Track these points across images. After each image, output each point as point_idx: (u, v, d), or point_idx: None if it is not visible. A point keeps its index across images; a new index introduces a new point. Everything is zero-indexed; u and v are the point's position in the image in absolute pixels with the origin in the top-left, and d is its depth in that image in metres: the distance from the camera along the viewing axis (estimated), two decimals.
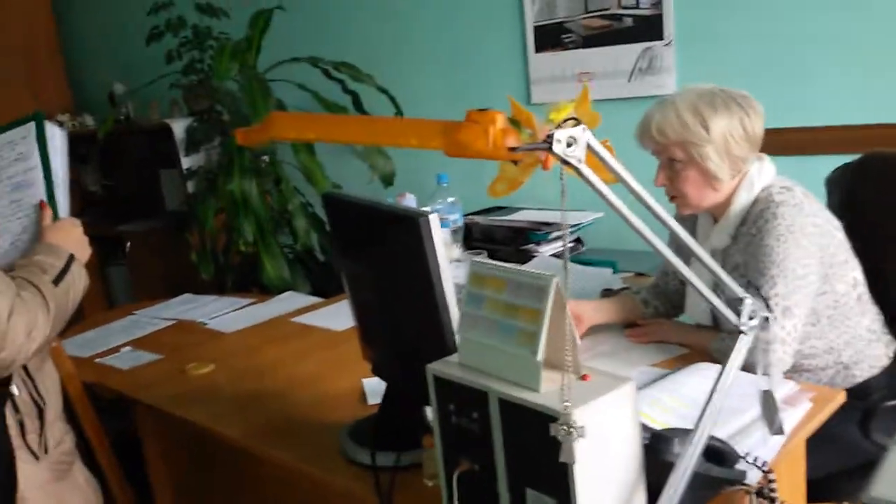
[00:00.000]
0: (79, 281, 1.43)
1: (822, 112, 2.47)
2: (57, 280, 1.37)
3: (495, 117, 0.83)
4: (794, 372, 1.69)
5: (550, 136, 0.86)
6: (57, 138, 1.52)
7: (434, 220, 1.19)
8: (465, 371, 1.08)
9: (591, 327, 1.85)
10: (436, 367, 1.11)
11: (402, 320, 1.32)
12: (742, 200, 1.69)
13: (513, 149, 0.84)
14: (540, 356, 0.99)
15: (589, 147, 0.89)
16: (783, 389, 1.44)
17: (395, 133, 0.86)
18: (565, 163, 0.88)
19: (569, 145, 0.87)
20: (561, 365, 0.96)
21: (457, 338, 1.14)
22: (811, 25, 2.45)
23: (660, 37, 2.74)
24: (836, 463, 1.61)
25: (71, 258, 1.42)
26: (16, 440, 1.36)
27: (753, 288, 1.59)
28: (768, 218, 1.62)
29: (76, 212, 1.58)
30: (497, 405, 1.02)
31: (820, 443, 1.48)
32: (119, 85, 4.14)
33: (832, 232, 1.68)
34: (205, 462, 1.86)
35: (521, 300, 1.03)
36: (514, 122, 0.97)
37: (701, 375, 1.50)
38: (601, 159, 0.91)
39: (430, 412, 1.26)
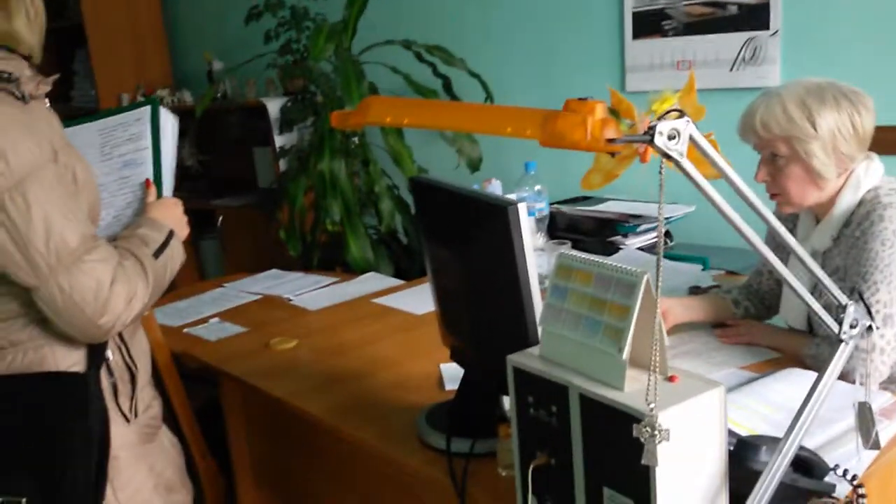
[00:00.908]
0: (177, 256, 1.48)
1: None
2: (157, 253, 1.42)
3: (595, 107, 0.81)
4: (890, 383, 1.61)
5: (652, 128, 0.83)
6: (169, 123, 1.59)
7: (522, 209, 1.17)
8: (545, 364, 1.06)
9: (676, 325, 1.80)
10: (516, 359, 1.09)
11: (484, 308, 1.31)
12: (847, 201, 1.61)
13: (611, 140, 0.81)
14: (626, 354, 0.96)
15: (692, 140, 0.86)
16: (878, 401, 1.37)
17: (490, 121, 0.84)
18: (667, 156, 0.85)
19: (671, 138, 0.84)
20: (646, 364, 0.93)
21: (539, 330, 1.12)
22: None
23: (766, 26, 2.64)
24: None
25: (171, 234, 1.47)
26: (109, 402, 1.41)
27: (857, 294, 1.52)
28: (874, 220, 1.54)
29: (174, 185, 1.64)
30: (578, 401, 1.00)
31: None
32: (218, 63, 4.24)
33: None
34: (283, 435, 1.90)
35: (609, 295, 1.00)
36: (614, 113, 0.95)
37: (792, 382, 1.45)
38: (705, 154, 0.87)
39: (507, 402, 1.25)
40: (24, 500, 1.29)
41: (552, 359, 1.07)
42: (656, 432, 0.89)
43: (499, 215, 1.18)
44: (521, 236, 1.17)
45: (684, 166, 0.83)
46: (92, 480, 1.34)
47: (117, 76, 4.44)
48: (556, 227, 2.68)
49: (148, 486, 1.46)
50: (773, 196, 1.67)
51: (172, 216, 1.52)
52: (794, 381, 1.45)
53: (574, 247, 2.46)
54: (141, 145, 1.57)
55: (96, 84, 4.41)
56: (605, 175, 1.24)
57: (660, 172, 0.86)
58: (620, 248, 2.49)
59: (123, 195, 1.56)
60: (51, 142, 1.28)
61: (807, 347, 1.58)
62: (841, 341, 1.00)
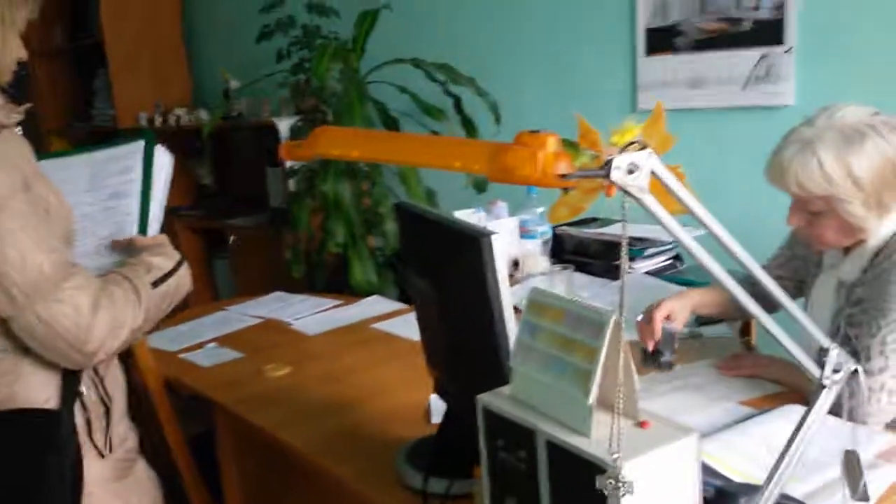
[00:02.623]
0: (183, 285, 1.46)
1: None
2: (159, 281, 1.40)
3: (546, 140, 0.76)
4: None
5: (609, 163, 0.78)
6: (165, 161, 1.58)
7: (497, 241, 1.12)
8: (515, 406, 1.01)
9: (679, 358, 1.73)
10: (486, 399, 1.04)
11: (461, 343, 1.27)
12: (882, 235, 1.50)
13: (564, 175, 0.77)
14: (592, 398, 0.91)
15: (654, 174, 0.81)
16: (879, 442, 1.30)
17: (439, 154, 0.80)
18: (626, 192, 0.80)
19: (630, 172, 0.79)
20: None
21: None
22: None
23: (780, 42, 2.57)
24: None
25: (181, 262, 1.45)
26: (83, 438, 1.38)
27: (843, 337, 1.44)
28: None
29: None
30: (545, 446, 0.95)
31: None
32: (235, 81, 4.26)
33: None
34: (275, 465, 1.86)
35: (578, 335, 0.95)
36: (572, 145, 0.90)
37: (790, 420, 1.36)
38: (668, 189, 0.82)
39: None
40: None
41: (523, 399, 1.02)
42: (620, 485, 0.83)
43: (472, 245, 1.13)
44: (494, 267, 1.12)
45: (644, 203, 0.78)
46: None
47: (136, 95, 4.47)
48: (564, 250, 2.63)
49: None
50: (806, 238, 1.59)
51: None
52: (793, 420, 1.36)
53: (579, 270, 2.41)
54: (130, 177, 1.56)
55: (115, 104, 4.44)
56: (572, 209, 1.19)
57: (623, 207, 0.81)
58: (629, 272, 2.42)
59: (107, 225, 1.55)
60: (22, 171, 1.26)
61: (810, 384, 1.50)
62: (823, 386, 0.93)
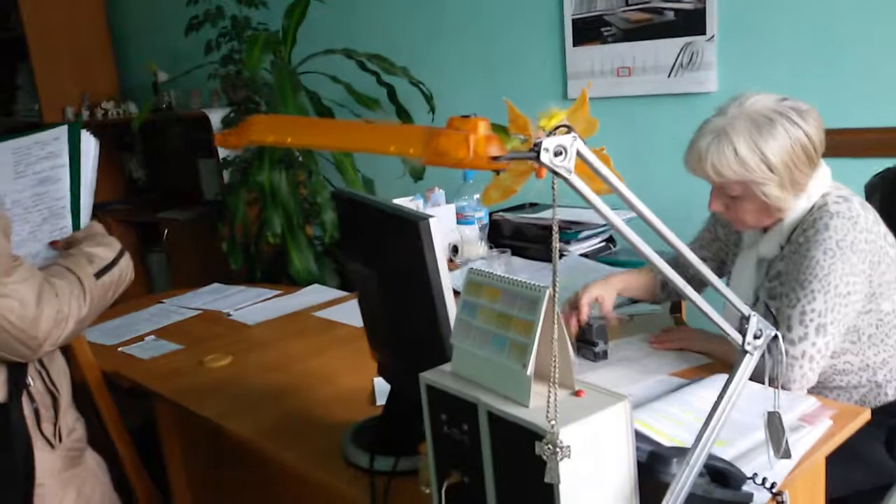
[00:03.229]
0: (125, 274, 1.46)
1: (865, 112, 2.36)
2: (101, 272, 1.40)
3: (477, 124, 0.80)
4: (823, 388, 1.62)
5: (538, 145, 0.82)
6: (91, 146, 1.57)
7: (434, 224, 1.16)
8: (457, 381, 1.05)
9: (613, 333, 1.80)
10: (428, 376, 1.08)
11: (403, 324, 1.30)
12: (797, 211, 1.58)
13: (496, 158, 0.80)
14: (530, 370, 0.96)
15: (580, 156, 0.85)
16: (802, 406, 1.38)
17: (375, 140, 0.83)
18: (554, 172, 0.84)
19: (557, 154, 0.83)
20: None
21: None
22: (859, 22, 2.34)
23: (702, 31, 2.66)
24: (860, 482, 1.54)
25: (122, 252, 1.45)
26: (32, 430, 1.38)
27: (763, 305, 1.53)
28: (819, 229, 1.52)
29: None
30: (486, 418, 0.99)
31: (844, 461, 1.42)
32: (163, 74, 4.19)
33: (885, 249, 1.57)
34: (221, 454, 1.87)
35: (515, 311, 0.99)
36: (501, 129, 0.94)
37: (718, 388, 1.43)
38: (594, 169, 0.87)
39: None
40: None
41: (464, 375, 1.06)
42: (557, 449, 0.88)
43: (411, 229, 1.16)
44: (434, 251, 1.16)
45: (572, 182, 0.82)
46: None
47: (61, 89, 4.36)
48: (501, 235, 2.68)
49: None
50: (728, 221, 1.67)
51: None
52: (721, 388, 1.45)
53: (516, 254, 2.47)
54: (58, 163, 1.55)
55: (39, 98, 4.33)
56: (504, 191, 1.23)
57: (552, 188, 0.86)
58: (563, 255, 2.49)
59: (39, 211, 1.54)
60: None
61: (737, 353, 1.58)
62: (745, 352, 1.00)
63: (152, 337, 2.20)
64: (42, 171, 1.55)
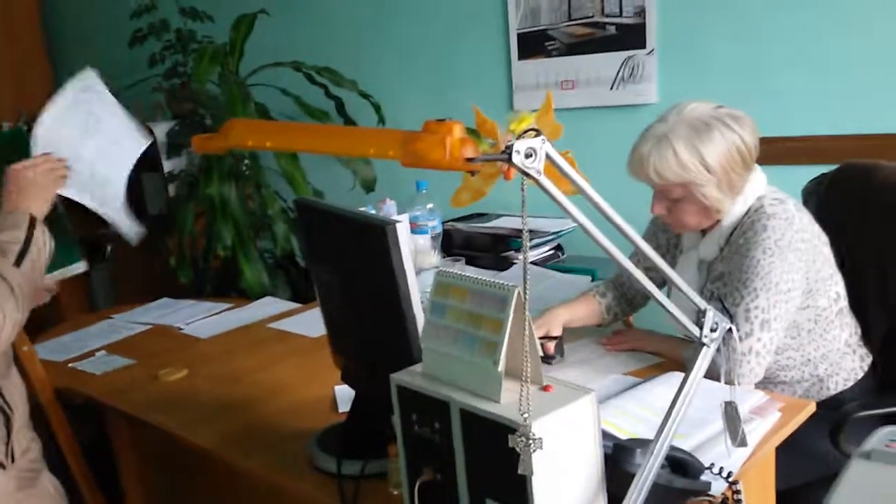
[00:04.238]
0: (43, 249, 1.40)
1: (800, 121, 2.48)
2: (19, 258, 1.35)
3: (453, 127, 0.83)
4: (768, 383, 1.69)
5: (510, 147, 0.86)
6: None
7: (401, 228, 1.18)
8: (427, 381, 1.08)
9: (566, 333, 1.84)
10: (399, 377, 1.11)
11: (370, 329, 1.32)
12: (735, 214, 1.66)
13: (470, 159, 0.84)
14: (501, 366, 0.99)
15: (548, 158, 0.89)
16: (752, 400, 1.44)
17: (354, 143, 0.85)
18: (524, 174, 0.88)
19: (528, 156, 0.87)
20: (522, 376, 0.95)
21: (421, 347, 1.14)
22: (791, 34, 2.46)
23: (642, 45, 2.75)
24: (806, 474, 1.61)
25: (32, 224, 1.40)
26: None
27: (717, 300, 1.58)
28: (758, 230, 1.60)
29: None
30: (458, 415, 1.02)
31: (791, 453, 1.48)
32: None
33: (819, 247, 1.66)
34: (177, 469, 1.85)
35: (484, 310, 1.03)
36: (474, 133, 0.97)
37: (671, 385, 1.49)
38: (561, 171, 0.91)
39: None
40: None
41: (434, 375, 1.09)
42: (530, 441, 0.91)
43: (378, 235, 1.19)
44: (401, 255, 1.18)
45: (542, 183, 0.86)
46: None
47: None
48: (453, 245, 2.72)
49: None
50: (669, 224, 1.73)
51: (28, 184, 1.46)
52: (674, 385, 1.49)
53: (469, 263, 2.51)
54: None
55: None
56: (474, 193, 1.27)
57: (522, 190, 0.89)
58: (514, 263, 2.54)
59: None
60: None
61: (686, 351, 1.65)
62: (703, 345, 1.04)
63: (103, 352, 2.16)
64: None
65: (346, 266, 1.33)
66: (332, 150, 0.87)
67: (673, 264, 1.83)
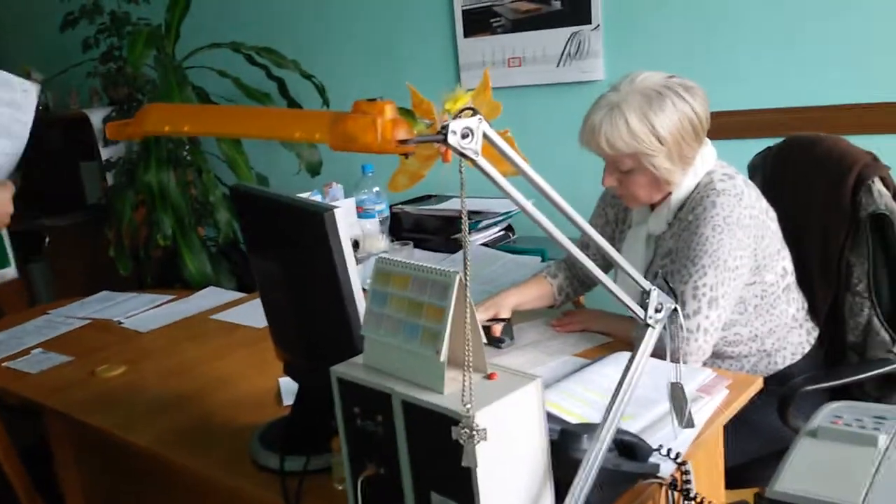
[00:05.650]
0: None
1: (746, 95, 2.48)
2: None
3: (384, 108, 0.79)
4: (716, 359, 1.69)
5: (445, 127, 0.82)
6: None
7: (340, 214, 1.14)
8: (369, 373, 1.04)
9: (514, 316, 1.82)
10: (339, 369, 1.06)
11: (310, 319, 1.27)
12: (684, 188, 1.64)
13: (403, 141, 0.80)
14: (443, 356, 0.95)
15: (486, 138, 0.85)
16: (699, 377, 1.43)
17: (278, 126, 0.80)
18: (461, 155, 0.84)
19: (464, 137, 0.83)
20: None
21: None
22: (736, 9, 2.45)
23: (588, 21, 2.73)
24: (755, 449, 1.61)
25: None
26: None
27: (662, 279, 1.57)
28: (707, 206, 1.58)
29: None
30: (401, 407, 0.99)
31: (739, 429, 1.48)
32: (37, 74, 3.96)
33: (767, 223, 1.66)
34: (118, 469, 1.79)
35: (426, 297, 0.99)
36: (408, 113, 0.93)
37: (619, 365, 1.47)
38: (500, 152, 0.87)
39: None
40: None
41: (376, 366, 1.05)
42: (474, 433, 0.88)
43: (315, 221, 1.14)
44: (340, 242, 1.14)
45: (480, 164, 0.82)
46: None
47: None
48: (402, 228, 2.68)
49: None
50: (620, 196, 1.71)
51: None
52: (622, 364, 1.48)
53: (418, 246, 2.47)
54: (19, 116, 1.42)
55: None
56: (411, 176, 1.22)
57: (460, 171, 0.86)
58: None
59: None
60: None
61: (634, 331, 1.63)
62: (648, 326, 1.02)
63: (39, 350, 2.08)
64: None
65: (285, 255, 1.28)
66: (254, 133, 0.82)
67: (621, 239, 1.81)
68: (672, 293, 1.05)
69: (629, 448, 1.12)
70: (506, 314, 1.76)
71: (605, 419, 1.01)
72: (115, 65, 3.19)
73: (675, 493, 1.16)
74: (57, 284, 3.83)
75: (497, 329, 1.71)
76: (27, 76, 3.93)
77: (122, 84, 3.19)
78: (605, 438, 0.99)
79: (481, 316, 1.74)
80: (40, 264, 3.93)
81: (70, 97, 3.81)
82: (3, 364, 2.01)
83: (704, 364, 1.58)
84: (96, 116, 3.35)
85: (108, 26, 3.18)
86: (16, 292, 3.91)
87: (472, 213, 2.55)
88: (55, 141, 3.97)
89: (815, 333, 1.78)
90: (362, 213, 2.46)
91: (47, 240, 3.71)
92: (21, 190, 4.29)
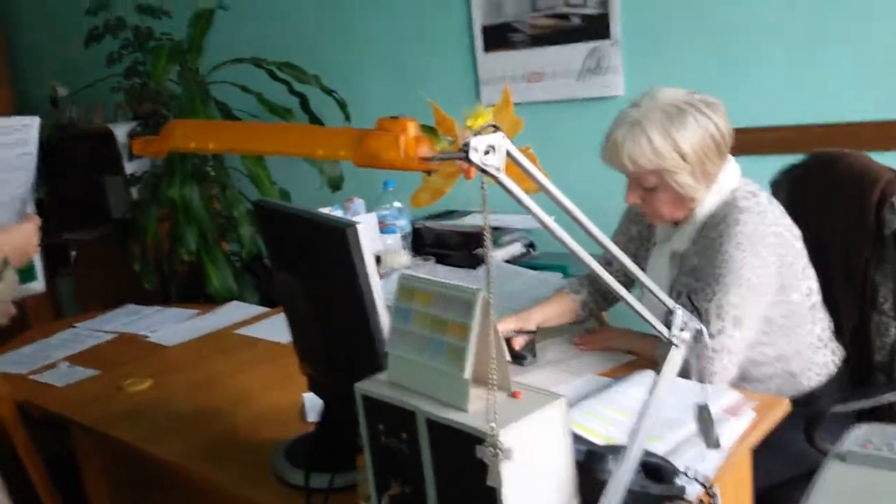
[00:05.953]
0: (5, 291, 1.36)
1: (768, 112, 2.47)
2: None
3: (407, 125, 0.79)
4: (742, 381, 1.67)
5: (467, 145, 0.82)
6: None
7: (362, 230, 1.14)
8: (393, 389, 1.04)
9: (538, 333, 1.81)
10: (364, 386, 1.07)
11: (334, 335, 1.28)
12: (708, 205, 1.63)
13: (426, 159, 0.80)
14: (468, 374, 0.95)
15: (509, 155, 0.85)
16: (725, 399, 1.42)
17: (302, 143, 0.81)
18: (484, 172, 0.84)
19: (487, 153, 0.83)
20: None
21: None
22: (757, 25, 2.44)
23: (606, 36, 2.72)
24: (783, 472, 1.58)
25: (3, 265, 1.36)
26: None
27: (687, 298, 1.56)
28: (730, 224, 1.57)
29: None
30: (425, 425, 0.98)
31: (766, 452, 1.45)
32: (63, 89, 4.03)
33: (792, 241, 1.64)
34: (144, 482, 1.80)
35: (449, 314, 0.99)
36: (431, 130, 0.94)
37: (644, 385, 1.47)
38: (523, 169, 0.87)
39: None
40: None
41: (400, 383, 1.05)
42: (498, 451, 0.88)
43: (338, 237, 1.15)
44: (363, 258, 1.14)
45: (502, 181, 0.83)
46: None
47: None
48: (424, 243, 2.68)
49: None
50: (644, 213, 1.70)
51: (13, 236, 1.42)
52: (646, 385, 1.47)
53: (440, 262, 2.47)
54: (26, 150, 1.46)
55: None
56: (434, 192, 1.23)
57: (482, 188, 0.86)
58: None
59: None
60: None
61: (658, 349, 1.62)
62: (673, 345, 1.02)
63: (66, 363, 2.10)
64: (6, 158, 1.46)
65: (308, 270, 1.28)
66: (278, 150, 0.83)
67: (646, 256, 1.80)
68: (697, 312, 1.04)
69: (655, 470, 1.11)
70: (531, 327, 1.76)
71: (630, 440, 1.00)
72: (140, 80, 3.22)
73: None
74: (83, 298, 3.87)
75: (518, 342, 1.71)
76: (53, 91, 4.01)
77: (146, 99, 3.22)
78: (632, 459, 0.98)
79: (505, 327, 1.73)
80: (66, 278, 3.97)
81: (95, 112, 3.85)
82: (29, 377, 2.03)
83: (730, 385, 1.56)
84: (121, 131, 3.39)
85: (131, 41, 3.22)
86: (41, 305, 3.96)
87: (493, 229, 2.55)
88: (81, 155, 4.02)
89: (841, 354, 1.76)
90: (384, 228, 2.46)
91: (74, 254, 3.75)
92: (48, 204, 4.35)
